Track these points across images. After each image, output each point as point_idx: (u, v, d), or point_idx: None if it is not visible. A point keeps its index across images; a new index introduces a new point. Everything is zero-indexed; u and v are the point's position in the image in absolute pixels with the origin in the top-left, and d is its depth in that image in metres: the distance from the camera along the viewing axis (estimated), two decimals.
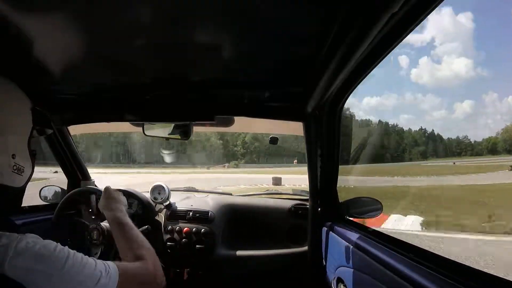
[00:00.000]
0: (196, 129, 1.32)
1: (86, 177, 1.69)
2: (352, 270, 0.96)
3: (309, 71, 0.87)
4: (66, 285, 0.49)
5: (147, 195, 1.63)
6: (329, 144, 1.21)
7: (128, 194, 1.59)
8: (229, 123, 1.37)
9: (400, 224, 6.08)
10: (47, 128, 0.70)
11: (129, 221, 0.80)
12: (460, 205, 8.39)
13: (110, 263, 0.57)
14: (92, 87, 1.10)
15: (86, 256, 0.54)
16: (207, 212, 1.57)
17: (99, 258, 0.95)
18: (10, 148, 0.56)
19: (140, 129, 1.30)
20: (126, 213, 0.84)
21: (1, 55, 0.75)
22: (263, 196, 1.88)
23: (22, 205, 1.35)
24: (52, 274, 0.48)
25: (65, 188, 1.69)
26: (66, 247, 0.53)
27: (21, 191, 0.61)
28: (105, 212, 0.85)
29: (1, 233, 0.49)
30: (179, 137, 1.27)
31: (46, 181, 1.67)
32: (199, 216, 1.57)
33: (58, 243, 0.53)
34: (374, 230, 1.01)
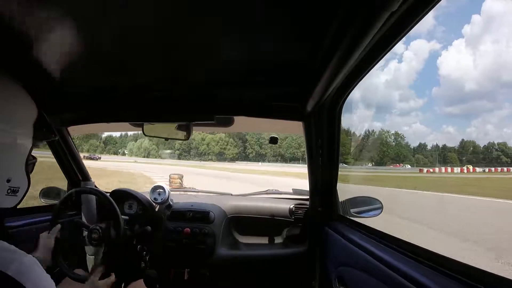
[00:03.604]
0: (196, 129, 1.32)
1: (86, 177, 1.69)
2: (353, 269, 0.96)
3: (309, 71, 0.87)
4: None
5: (147, 196, 1.63)
6: (329, 143, 1.21)
7: (128, 195, 1.59)
8: (229, 123, 1.37)
9: None
10: (48, 140, 0.69)
11: None
12: None
13: None
14: (92, 87, 1.10)
15: None
16: (208, 212, 1.57)
17: (102, 258, 0.96)
18: (5, 174, 0.55)
19: (140, 129, 1.31)
20: None
21: (0, 56, 0.75)
22: (263, 196, 1.88)
23: (24, 206, 1.35)
24: None
25: (65, 188, 1.69)
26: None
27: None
28: None
29: (5, 248, 0.49)
30: (179, 137, 1.27)
31: None
32: (200, 216, 1.57)
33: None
34: (374, 229, 1.01)
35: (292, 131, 1.77)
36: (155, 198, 1.62)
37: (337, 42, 0.61)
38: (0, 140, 0.54)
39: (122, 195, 1.59)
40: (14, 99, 0.58)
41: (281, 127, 1.62)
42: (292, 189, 1.87)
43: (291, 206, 1.60)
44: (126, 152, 65.62)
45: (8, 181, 0.56)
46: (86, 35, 0.71)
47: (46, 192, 1.64)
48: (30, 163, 0.63)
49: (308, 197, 1.50)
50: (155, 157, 58.37)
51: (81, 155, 1.71)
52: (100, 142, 64.61)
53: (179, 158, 59.21)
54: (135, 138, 64.77)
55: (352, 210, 1.29)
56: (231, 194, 1.93)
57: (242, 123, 1.44)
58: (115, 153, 64.99)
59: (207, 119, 1.16)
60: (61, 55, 0.83)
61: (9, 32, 0.65)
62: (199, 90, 1.09)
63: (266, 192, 1.92)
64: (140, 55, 0.84)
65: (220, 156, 62.15)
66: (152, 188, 1.65)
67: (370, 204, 1.31)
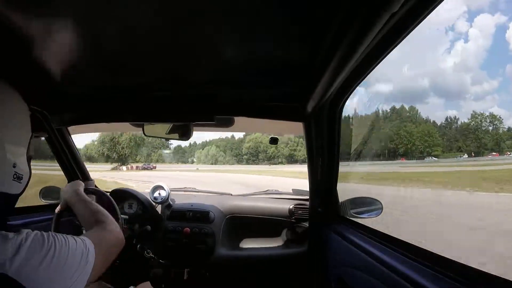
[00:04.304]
0: (196, 129, 1.32)
1: (86, 177, 1.69)
2: (353, 270, 0.96)
3: (309, 71, 0.87)
4: (54, 271, 0.51)
5: (147, 196, 1.63)
6: (329, 144, 1.21)
7: (128, 194, 1.60)
8: (229, 123, 1.37)
9: None
10: (45, 133, 0.71)
11: (87, 197, 0.93)
12: None
13: (84, 237, 0.61)
14: (92, 87, 1.10)
15: (66, 237, 0.56)
16: (207, 212, 1.57)
17: None
18: (12, 158, 0.57)
19: (140, 129, 1.31)
20: (84, 194, 0.96)
21: (0, 56, 0.75)
22: (263, 196, 1.88)
23: (25, 205, 1.35)
24: (41, 265, 0.49)
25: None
26: (50, 233, 0.54)
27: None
28: (71, 198, 0.94)
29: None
30: (179, 138, 1.27)
31: None
32: (199, 216, 1.57)
33: (43, 232, 0.54)
34: (374, 230, 1.00)
35: (292, 132, 1.76)
36: (155, 198, 1.62)
37: (337, 42, 0.61)
38: (3, 127, 0.56)
39: (122, 195, 1.59)
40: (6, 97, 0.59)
41: (281, 128, 1.62)
42: (292, 189, 1.87)
43: (291, 207, 1.60)
44: (194, 160, 64.13)
45: (14, 166, 0.57)
46: (87, 35, 0.71)
47: (46, 192, 1.64)
48: (29, 156, 0.64)
49: (308, 197, 1.50)
50: (223, 164, 56.63)
51: (135, 165, 1.71)
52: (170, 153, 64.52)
53: (247, 163, 56.73)
54: (203, 146, 64.41)
55: (352, 211, 1.28)
56: (231, 194, 1.93)
57: (243, 124, 1.44)
58: (184, 162, 63.70)
59: (207, 119, 1.16)
60: (61, 55, 0.83)
61: (9, 32, 0.65)
62: (199, 90, 1.09)
63: (266, 193, 1.92)
64: (140, 55, 0.83)
65: (291, 158, 57.27)
66: (152, 187, 1.65)
67: (370, 204, 1.31)
